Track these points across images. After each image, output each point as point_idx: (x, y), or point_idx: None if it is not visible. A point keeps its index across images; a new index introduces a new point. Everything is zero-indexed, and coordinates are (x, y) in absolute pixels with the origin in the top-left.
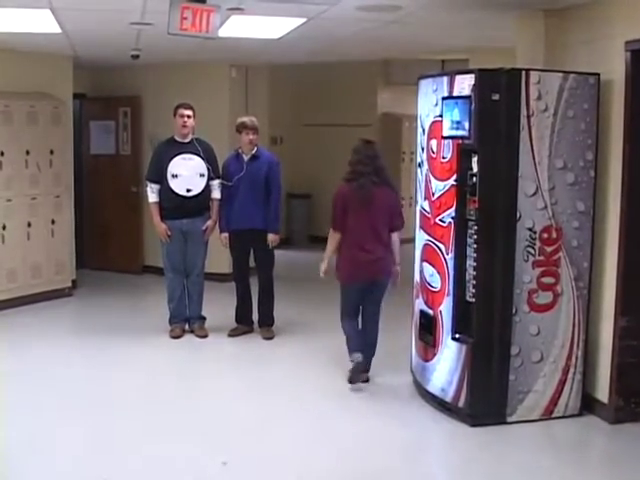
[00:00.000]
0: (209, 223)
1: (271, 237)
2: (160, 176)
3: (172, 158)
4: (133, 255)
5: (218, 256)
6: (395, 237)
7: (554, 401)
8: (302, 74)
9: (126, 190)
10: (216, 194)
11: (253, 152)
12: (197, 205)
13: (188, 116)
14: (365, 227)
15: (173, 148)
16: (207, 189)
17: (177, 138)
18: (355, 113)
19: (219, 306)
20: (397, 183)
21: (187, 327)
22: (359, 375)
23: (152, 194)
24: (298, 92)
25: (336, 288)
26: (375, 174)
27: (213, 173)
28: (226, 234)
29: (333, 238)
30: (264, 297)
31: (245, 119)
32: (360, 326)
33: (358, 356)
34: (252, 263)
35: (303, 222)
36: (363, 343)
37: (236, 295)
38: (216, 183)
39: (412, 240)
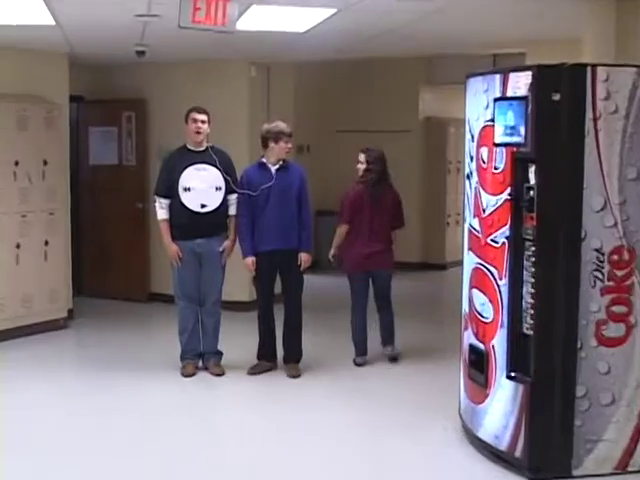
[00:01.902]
0: (227, 244)
1: (305, 257)
2: (170, 190)
3: (184, 169)
4: (139, 281)
5: (236, 282)
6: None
7: (629, 452)
8: (332, 73)
9: (131, 206)
10: (234, 210)
11: (281, 162)
12: (213, 223)
13: (202, 121)
14: (371, 224)
15: (185, 158)
16: (224, 205)
17: (190, 146)
18: (393, 117)
19: (237, 340)
20: (441, 197)
21: (201, 364)
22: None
23: (161, 210)
24: (327, 94)
25: (370, 320)
26: (384, 177)
27: (231, 186)
28: (253, 258)
29: (342, 230)
30: (292, 328)
31: (282, 125)
32: (379, 323)
33: (363, 360)
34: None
35: (330, 242)
36: (366, 345)
37: (259, 327)
38: (234, 198)
39: (460, 263)
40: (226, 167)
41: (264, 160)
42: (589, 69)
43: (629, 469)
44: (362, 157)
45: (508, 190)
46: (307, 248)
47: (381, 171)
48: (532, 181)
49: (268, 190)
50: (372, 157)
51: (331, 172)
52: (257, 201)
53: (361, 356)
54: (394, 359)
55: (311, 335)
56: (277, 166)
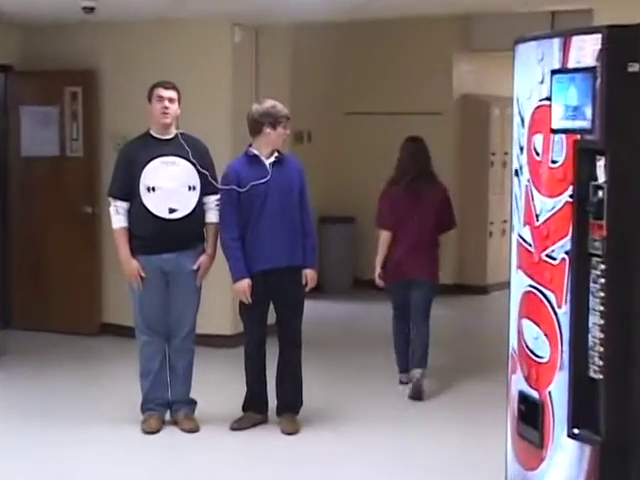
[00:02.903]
0: (203, 259)
1: (310, 275)
2: (129, 190)
3: (147, 163)
4: (87, 309)
5: (215, 309)
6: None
7: None
8: (340, 39)
9: (77, 211)
10: (213, 216)
11: (277, 154)
12: (185, 232)
13: (170, 100)
14: (412, 226)
15: (149, 148)
16: (200, 209)
17: (154, 133)
18: (419, 96)
19: (217, 385)
20: (482, 200)
21: (169, 416)
22: (420, 389)
23: (117, 216)
24: (334, 66)
25: (386, 357)
26: (424, 173)
27: (209, 185)
28: (249, 280)
29: (385, 238)
30: (289, 370)
31: (280, 106)
32: (411, 338)
33: (408, 377)
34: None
35: (342, 258)
36: (408, 360)
37: (245, 368)
38: (213, 200)
39: (506, 286)
40: (201, 160)
41: (254, 151)
42: None
43: None
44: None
45: (569, 190)
46: (312, 263)
47: (420, 163)
48: (601, 178)
49: (264, 190)
50: (403, 146)
51: (338, 167)
52: (249, 204)
53: (403, 373)
54: (418, 395)
55: (313, 378)
56: (272, 159)
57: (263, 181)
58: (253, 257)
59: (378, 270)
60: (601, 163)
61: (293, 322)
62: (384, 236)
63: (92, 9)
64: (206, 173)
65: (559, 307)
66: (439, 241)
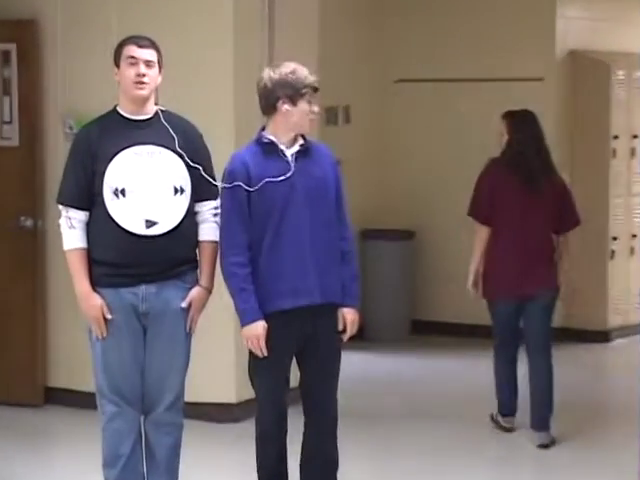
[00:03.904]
0: (195, 294)
1: (350, 317)
2: (88, 194)
3: (115, 155)
4: (25, 368)
5: (212, 367)
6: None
7: None
8: None
9: (9, 224)
10: (210, 230)
11: (302, 142)
12: (169, 255)
13: (147, 63)
14: (525, 224)
15: (117, 132)
16: (190, 221)
17: (124, 112)
18: (509, 55)
19: (215, 476)
20: (601, 203)
21: None
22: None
23: (71, 232)
24: (380, 15)
25: (461, 432)
26: (540, 157)
27: (203, 186)
28: (263, 323)
29: (481, 235)
30: (320, 453)
31: (303, 71)
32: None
33: (511, 424)
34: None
35: (395, 291)
36: (514, 402)
37: (257, 454)
38: (210, 208)
39: (637, 330)
40: (192, 149)
41: (270, 137)
42: None
43: None
44: (503, 125)
45: None
46: (354, 300)
47: (536, 144)
48: None
49: (285, 192)
50: (519, 124)
51: (388, 158)
52: (264, 213)
53: (507, 417)
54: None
55: (354, 464)
56: (295, 147)
57: (283, 178)
58: (270, 290)
59: (471, 278)
60: None
61: (326, 384)
62: (481, 233)
63: None
64: (198, 168)
65: None
66: (555, 244)
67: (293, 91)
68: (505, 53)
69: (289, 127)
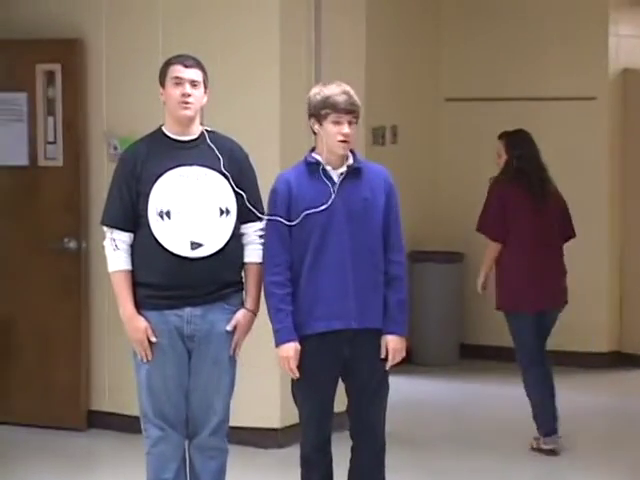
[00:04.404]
0: (241, 317)
1: (394, 345)
2: (133, 216)
3: (160, 176)
4: (69, 392)
5: (257, 391)
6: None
7: None
8: None
9: (54, 246)
10: (255, 254)
11: (349, 162)
12: (215, 278)
13: (193, 83)
14: (537, 236)
15: (162, 154)
16: (236, 243)
17: (169, 132)
18: (561, 73)
19: None
20: None
21: None
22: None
23: (116, 254)
24: (431, 31)
25: (511, 458)
26: (540, 172)
27: (250, 208)
28: (296, 345)
29: (491, 251)
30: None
31: (334, 89)
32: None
33: (554, 443)
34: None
35: (444, 314)
36: (555, 420)
37: (303, 477)
38: (255, 230)
39: None
40: (238, 170)
41: (316, 156)
42: None
43: None
44: (500, 145)
45: None
46: (398, 327)
47: (534, 161)
48: None
49: (326, 217)
50: (516, 143)
51: (437, 179)
52: (305, 236)
53: (549, 437)
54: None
55: None
56: (343, 168)
57: (323, 208)
58: (307, 312)
59: (482, 279)
60: None
61: (372, 409)
62: (491, 249)
63: None
64: (242, 194)
65: None
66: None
67: (315, 111)
68: (557, 72)
69: (326, 148)
